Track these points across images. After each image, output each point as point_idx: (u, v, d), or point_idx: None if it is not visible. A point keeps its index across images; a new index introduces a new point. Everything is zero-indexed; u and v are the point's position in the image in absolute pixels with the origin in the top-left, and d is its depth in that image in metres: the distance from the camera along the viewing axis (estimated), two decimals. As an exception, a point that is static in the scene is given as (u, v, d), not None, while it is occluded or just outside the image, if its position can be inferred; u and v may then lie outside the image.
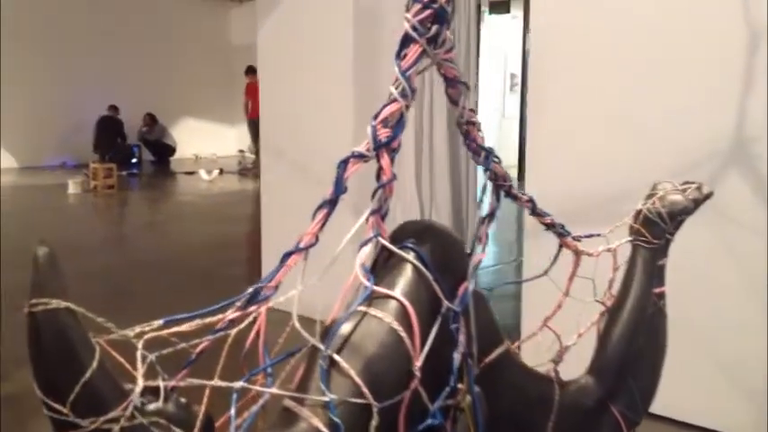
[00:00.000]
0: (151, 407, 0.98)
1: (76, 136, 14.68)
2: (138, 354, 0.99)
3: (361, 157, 1.24)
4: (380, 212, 1.24)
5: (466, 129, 1.38)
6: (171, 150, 16.16)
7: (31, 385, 0.91)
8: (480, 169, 1.45)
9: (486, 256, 1.57)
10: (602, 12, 3.19)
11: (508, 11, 13.89)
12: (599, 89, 3.21)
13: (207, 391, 1.03)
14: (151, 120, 15.72)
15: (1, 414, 3.16)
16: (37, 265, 0.92)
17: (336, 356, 1.09)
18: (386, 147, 1.23)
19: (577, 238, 1.65)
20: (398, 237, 1.29)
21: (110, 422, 0.90)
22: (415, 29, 1.25)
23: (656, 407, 1.79)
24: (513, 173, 11.17)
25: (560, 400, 1.52)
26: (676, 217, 1.62)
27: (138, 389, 0.95)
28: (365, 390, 1.07)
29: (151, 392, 0.99)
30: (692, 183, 1.67)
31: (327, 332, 1.13)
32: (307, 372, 1.11)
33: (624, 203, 3.09)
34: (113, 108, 14.93)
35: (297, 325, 1.11)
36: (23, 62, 14.03)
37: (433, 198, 3.99)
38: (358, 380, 1.07)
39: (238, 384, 1.05)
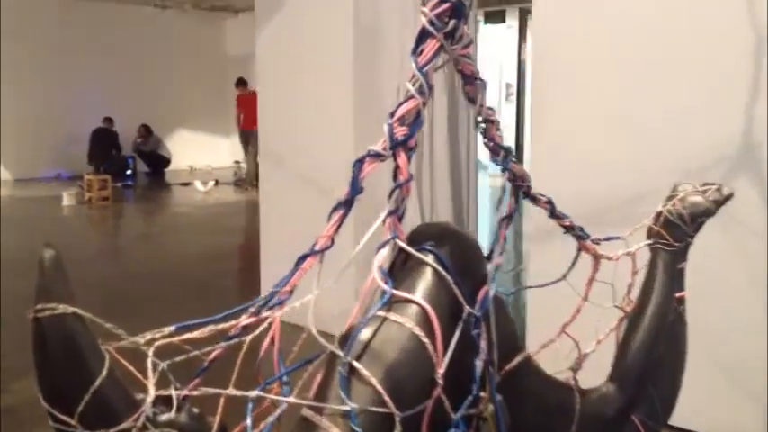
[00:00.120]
0: (163, 417, 0.93)
1: (71, 148, 14.59)
2: (149, 361, 0.94)
3: (377, 156, 1.19)
4: (398, 213, 1.19)
5: (484, 127, 1.33)
6: (166, 162, 16.08)
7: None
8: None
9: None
10: (604, 13, 3.18)
11: (503, 20, 13.91)
12: (601, 91, 3.20)
13: (221, 401, 0.98)
14: (146, 131, 15.65)
15: (0, 426, 3.09)
16: (43, 269, 0.88)
17: (356, 363, 1.04)
18: (403, 145, 1.19)
19: (596, 242, 1.60)
20: (415, 239, 1.24)
21: (120, 434, 0.85)
22: (432, 23, 1.20)
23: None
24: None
25: (581, 409, 1.47)
26: (697, 219, 1.58)
27: (150, 398, 0.90)
28: (387, 398, 1.02)
29: (163, 402, 0.94)
30: (712, 184, 1.63)
31: (346, 338, 1.07)
32: (325, 379, 1.06)
33: (627, 205, 3.11)
34: (108, 120, 14.86)
35: (313, 331, 1.06)
36: (17, 74, 13.96)
37: (433, 201, 3.94)
38: (380, 388, 1.02)
39: (254, 393, 1.00)
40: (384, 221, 1.17)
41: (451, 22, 1.22)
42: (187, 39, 16.49)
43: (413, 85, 1.19)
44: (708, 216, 1.59)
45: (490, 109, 1.33)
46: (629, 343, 1.56)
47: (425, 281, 1.16)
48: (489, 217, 8.52)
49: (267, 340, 1.05)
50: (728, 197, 1.62)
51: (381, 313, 1.10)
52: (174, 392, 0.95)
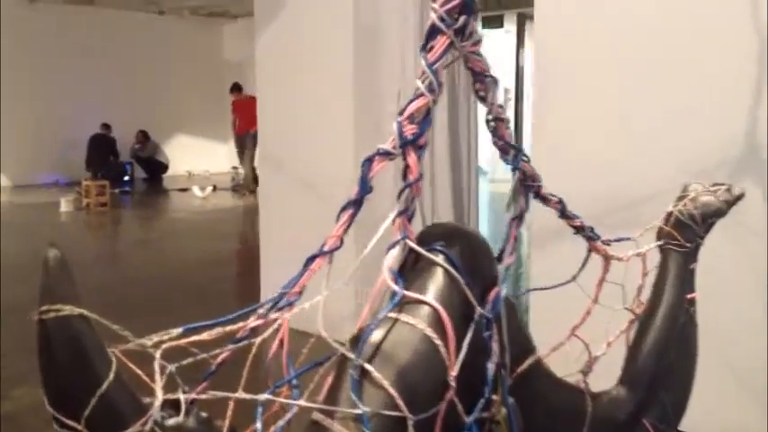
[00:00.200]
0: (171, 422, 0.90)
1: (69, 154, 14.56)
2: (157, 364, 0.91)
3: (386, 154, 1.17)
4: (407, 213, 1.17)
5: (494, 126, 1.31)
6: (164, 167, 16.05)
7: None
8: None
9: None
10: (605, 13, 3.17)
11: (501, 25, 13.89)
12: (602, 91, 3.18)
13: (230, 405, 0.95)
14: (144, 137, 15.62)
15: (1, 434, 3.05)
16: (47, 269, 0.85)
17: (368, 366, 1.02)
18: (412, 144, 1.16)
19: (607, 242, 1.58)
20: (425, 239, 1.21)
21: (128, 439, 0.83)
22: (442, 19, 1.18)
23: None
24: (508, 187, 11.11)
25: (593, 413, 1.44)
26: (708, 219, 1.56)
27: (158, 402, 0.87)
28: (400, 402, 1.00)
29: (171, 406, 0.91)
30: (722, 184, 1.61)
31: (357, 340, 1.05)
32: (336, 382, 1.04)
33: (627, 205, 3.09)
34: (106, 126, 14.83)
35: (323, 333, 1.04)
36: (15, 81, 13.93)
37: (434, 203, 3.93)
38: (392, 391, 1.00)
39: (263, 397, 0.98)
40: (393, 221, 1.15)
41: (461, 19, 1.20)
42: (185, 44, 16.48)
43: (422, 83, 1.17)
44: (719, 216, 1.57)
45: (500, 107, 1.31)
46: (640, 346, 1.54)
47: (437, 282, 1.14)
48: (488, 222, 8.51)
49: (276, 342, 1.03)
50: (739, 197, 1.60)
51: (393, 315, 1.08)
52: (182, 396, 0.92)
